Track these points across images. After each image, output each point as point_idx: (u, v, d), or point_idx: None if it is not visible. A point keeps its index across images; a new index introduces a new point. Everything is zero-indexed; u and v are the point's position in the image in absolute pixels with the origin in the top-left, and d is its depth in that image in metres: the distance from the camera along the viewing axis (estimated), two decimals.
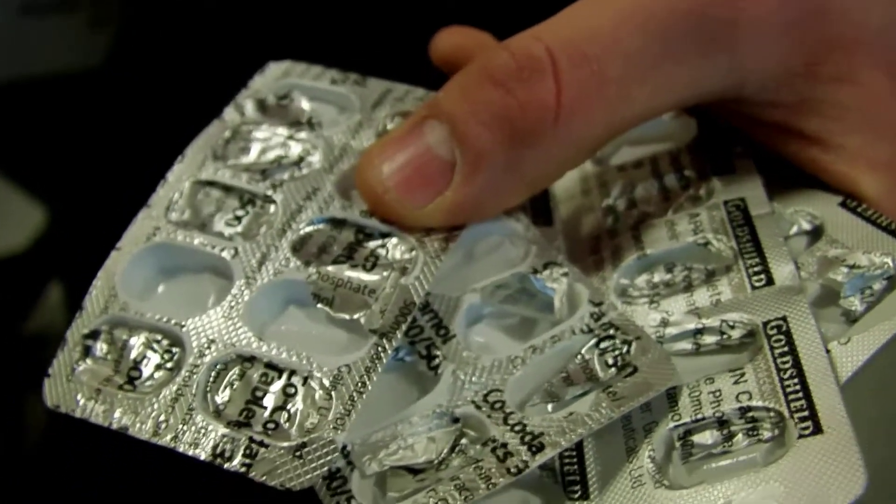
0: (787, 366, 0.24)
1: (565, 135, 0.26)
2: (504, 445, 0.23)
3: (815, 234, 0.28)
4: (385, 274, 0.26)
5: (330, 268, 0.26)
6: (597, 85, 0.26)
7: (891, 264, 0.26)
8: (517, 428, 0.24)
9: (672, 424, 0.24)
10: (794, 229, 0.28)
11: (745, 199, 0.28)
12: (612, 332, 0.26)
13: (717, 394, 0.24)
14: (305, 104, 0.30)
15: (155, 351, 0.25)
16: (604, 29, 0.26)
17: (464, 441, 0.24)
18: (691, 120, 0.31)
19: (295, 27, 0.46)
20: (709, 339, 0.26)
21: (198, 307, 0.26)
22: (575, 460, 0.24)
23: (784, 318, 0.25)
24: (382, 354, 0.24)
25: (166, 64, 0.50)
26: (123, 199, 0.29)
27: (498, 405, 0.24)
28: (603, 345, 0.25)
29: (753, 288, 0.26)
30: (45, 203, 0.57)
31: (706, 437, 0.24)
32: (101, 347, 0.26)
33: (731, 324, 0.25)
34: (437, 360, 0.26)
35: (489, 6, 0.43)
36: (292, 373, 0.24)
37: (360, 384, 0.24)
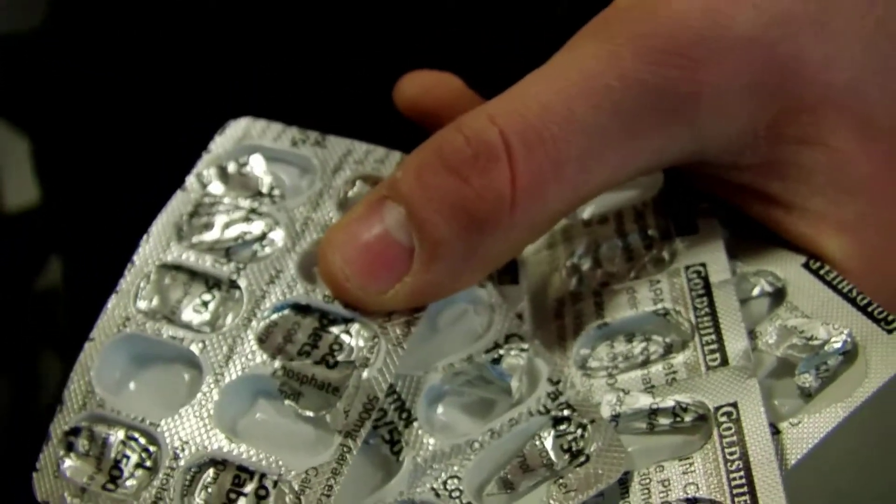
0: (734, 457, 0.26)
1: (522, 219, 0.27)
2: None
3: (777, 296, 0.29)
4: (348, 371, 0.28)
5: (295, 363, 0.28)
6: (552, 167, 0.27)
7: (847, 338, 0.28)
8: None
9: None
10: (757, 290, 0.30)
11: (705, 264, 0.30)
12: (567, 412, 0.28)
13: (667, 483, 0.27)
14: (265, 171, 0.32)
15: (133, 450, 0.28)
16: (558, 106, 0.27)
17: None
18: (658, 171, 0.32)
19: (293, 24, 0.47)
20: (663, 421, 0.28)
21: (171, 400, 0.29)
22: None
23: (734, 405, 0.27)
24: (348, 455, 0.27)
25: (110, 22, 0.51)
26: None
27: (456, 494, 0.27)
28: (559, 427, 0.28)
29: (708, 367, 0.28)
30: None
31: None
32: (82, 444, 0.28)
33: (683, 406, 0.28)
34: (399, 446, 0.28)
35: (489, 6, 0.43)
36: (263, 476, 0.27)
37: (327, 487, 0.27)
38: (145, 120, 0.50)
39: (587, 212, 0.32)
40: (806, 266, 0.29)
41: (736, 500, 0.26)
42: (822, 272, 0.29)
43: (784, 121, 0.28)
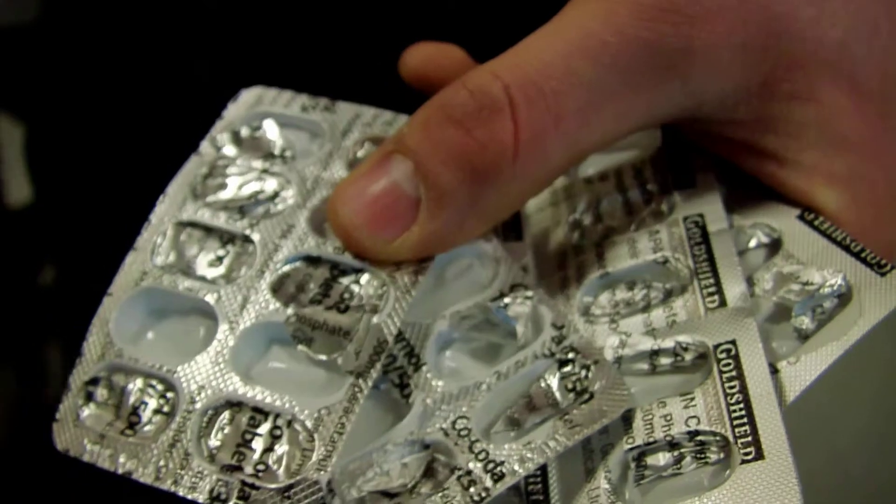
0: (733, 391, 0.28)
1: (524, 171, 0.29)
2: (469, 473, 0.27)
3: (774, 247, 0.31)
4: (358, 316, 0.29)
5: (307, 309, 0.30)
6: (553, 120, 0.28)
7: (841, 282, 0.29)
8: (481, 456, 0.28)
9: (627, 447, 0.28)
10: (753, 242, 0.31)
11: (703, 214, 0.31)
12: (571, 355, 0.29)
13: (668, 417, 0.28)
14: (278, 135, 0.33)
15: (151, 396, 0.29)
16: (558, 62, 0.28)
17: (434, 465, 0.28)
18: (656, 129, 0.33)
19: (292, 22, 0.49)
20: (664, 361, 0.29)
21: (187, 349, 0.30)
22: (539, 481, 0.28)
23: (733, 342, 0.28)
24: (359, 395, 0.28)
25: (104, 18, 0.52)
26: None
27: (464, 433, 0.28)
28: (564, 369, 0.29)
29: (707, 309, 0.29)
30: None
31: (658, 459, 0.28)
32: (101, 393, 0.30)
33: (684, 346, 0.29)
34: (408, 389, 0.29)
35: (489, 6, 0.45)
36: (277, 416, 0.28)
37: (339, 425, 0.28)
38: (140, 115, 0.51)
39: (588, 170, 0.34)
40: (801, 217, 0.31)
41: (736, 430, 0.27)
42: (816, 223, 0.31)
43: (776, 77, 0.30)
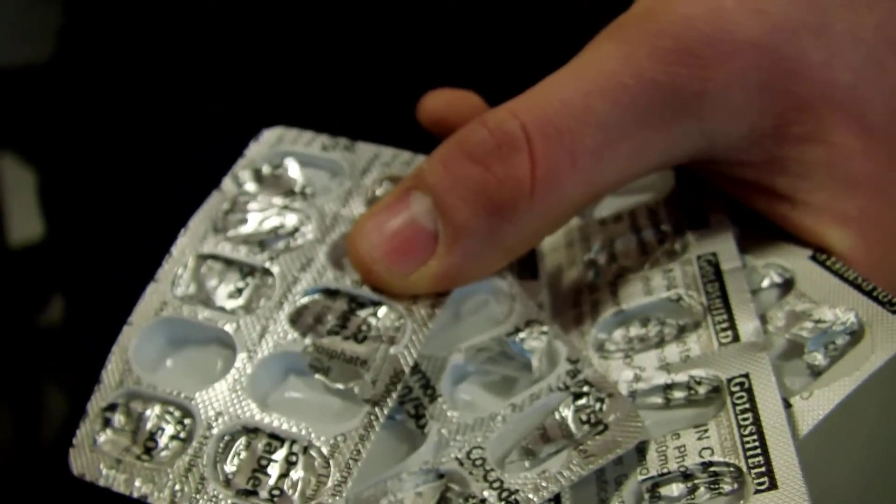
0: (747, 422, 0.28)
1: (541, 207, 0.30)
2: (483, 501, 0.28)
3: (786, 286, 0.32)
4: (375, 346, 0.30)
5: (325, 339, 0.31)
6: (570, 157, 0.30)
7: (853, 319, 0.30)
8: (496, 485, 0.28)
9: (641, 477, 0.28)
10: (766, 282, 0.32)
11: (716, 253, 0.32)
12: (586, 388, 0.30)
13: (682, 449, 0.28)
14: (298, 173, 0.35)
15: (169, 422, 0.30)
16: (576, 101, 0.30)
17: (448, 495, 0.29)
18: (669, 172, 0.34)
19: (293, 27, 0.50)
20: (678, 394, 0.30)
21: (205, 377, 0.31)
22: None
23: (747, 375, 0.29)
24: (375, 423, 0.29)
25: (119, 49, 0.54)
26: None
27: (479, 462, 0.29)
28: (578, 402, 0.30)
29: (720, 344, 0.30)
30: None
31: (672, 490, 0.28)
32: (119, 419, 0.30)
33: (697, 380, 0.30)
34: (424, 420, 0.30)
35: (489, 7, 0.46)
36: (293, 442, 0.29)
37: (355, 452, 0.29)
38: (154, 154, 0.53)
39: (602, 212, 0.35)
40: (813, 258, 0.32)
41: (749, 461, 0.28)
42: (828, 263, 0.32)
43: (788, 119, 0.31)
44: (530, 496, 0.28)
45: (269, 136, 0.35)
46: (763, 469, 0.27)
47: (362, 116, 0.47)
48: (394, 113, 0.41)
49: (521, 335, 0.31)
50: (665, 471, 0.28)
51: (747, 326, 0.30)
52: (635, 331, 0.32)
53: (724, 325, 0.30)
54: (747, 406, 0.29)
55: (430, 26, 0.47)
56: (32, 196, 0.59)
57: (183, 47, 0.53)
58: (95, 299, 0.53)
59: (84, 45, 0.56)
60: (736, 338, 0.30)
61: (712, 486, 0.28)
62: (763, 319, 0.31)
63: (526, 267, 0.34)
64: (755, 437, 0.28)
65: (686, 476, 0.28)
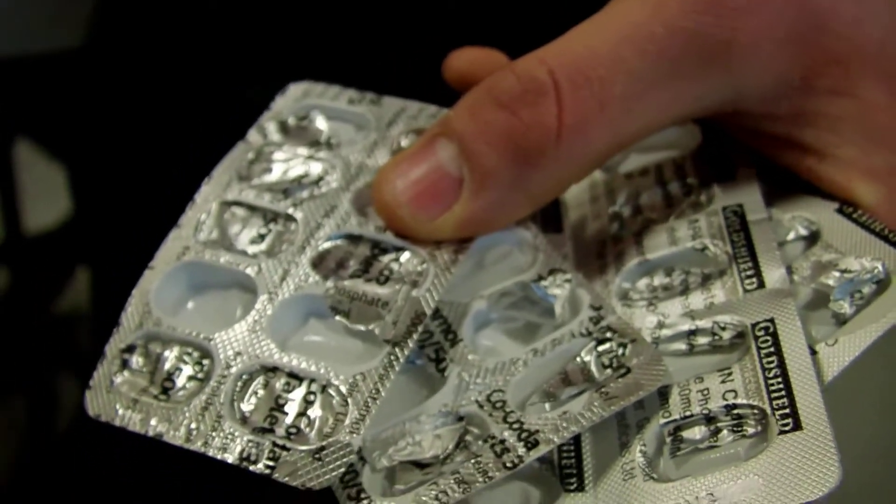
0: (772, 365, 0.28)
1: (567, 154, 0.30)
2: (502, 442, 0.27)
3: (812, 239, 0.31)
4: (397, 287, 0.30)
5: (346, 282, 0.30)
6: (598, 105, 0.29)
7: (880, 268, 0.29)
8: (515, 426, 0.28)
9: (663, 421, 0.28)
10: (792, 234, 0.31)
11: (742, 205, 0.31)
12: (609, 334, 0.29)
13: (706, 392, 0.28)
14: (324, 124, 0.34)
15: (187, 363, 0.30)
16: (604, 49, 0.30)
17: (468, 438, 0.28)
18: (696, 128, 0.34)
19: (293, 25, 0.50)
20: (701, 340, 0.29)
21: (225, 321, 0.30)
22: (572, 454, 0.28)
23: (772, 320, 0.28)
24: (395, 363, 0.29)
25: (149, 42, 0.54)
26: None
27: (499, 405, 0.28)
28: (600, 347, 0.29)
29: (745, 291, 0.29)
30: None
31: (694, 433, 0.28)
32: (137, 360, 0.30)
33: (722, 325, 0.29)
34: (444, 363, 0.30)
35: (489, 7, 0.46)
36: (312, 381, 0.29)
37: (374, 391, 0.28)
38: (180, 137, 0.53)
39: (628, 166, 0.34)
40: (839, 211, 0.31)
41: (774, 402, 0.27)
42: (854, 216, 0.31)
43: (816, 72, 0.31)
44: (550, 436, 0.27)
45: (295, 90, 0.35)
46: (787, 410, 0.27)
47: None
48: None
49: (545, 282, 0.31)
50: (688, 414, 0.28)
51: (773, 274, 0.30)
52: (659, 280, 0.31)
53: (750, 273, 0.30)
54: (772, 350, 0.28)
55: (430, 26, 0.47)
56: (50, 183, 0.59)
57: (210, 34, 0.53)
58: (119, 282, 0.53)
59: (113, 31, 0.57)
60: (761, 285, 0.30)
61: (735, 429, 0.27)
62: (789, 270, 0.30)
63: (550, 221, 0.34)
64: (780, 379, 0.27)
65: (709, 419, 0.28)
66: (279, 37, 0.51)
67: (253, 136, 0.34)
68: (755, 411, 0.27)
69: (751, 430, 0.27)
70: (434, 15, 0.47)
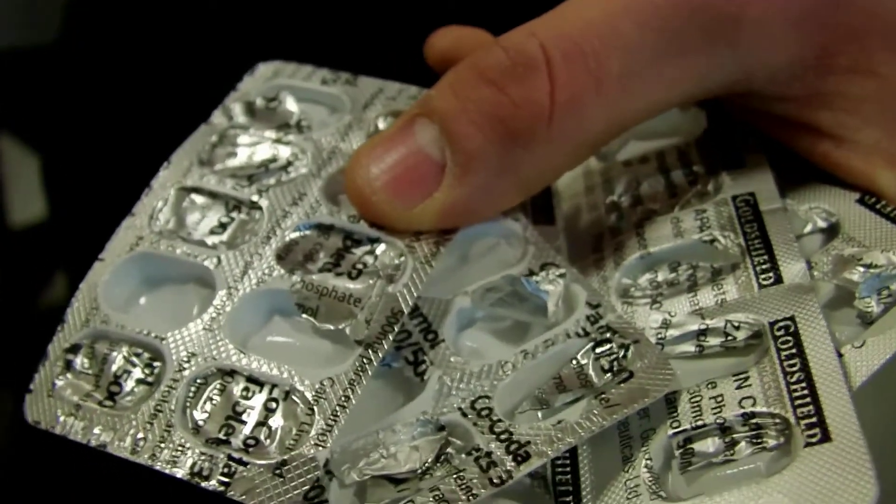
0: (794, 369, 0.24)
1: (560, 134, 0.26)
2: (488, 455, 0.24)
3: (831, 231, 0.28)
4: (371, 282, 0.26)
5: (315, 276, 0.26)
6: (594, 82, 0.26)
7: None
8: (503, 436, 0.24)
9: (671, 432, 0.24)
10: (809, 227, 0.28)
11: (754, 193, 0.28)
12: (608, 335, 0.26)
13: (720, 399, 0.24)
14: (294, 106, 0.31)
15: (136, 365, 0.26)
16: (601, 22, 0.26)
17: (449, 450, 0.25)
18: (701, 113, 0.31)
19: (289, 24, 0.47)
20: (713, 341, 0.26)
21: (181, 319, 0.27)
22: (568, 469, 0.25)
23: (792, 319, 0.25)
24: (367, 366, 0.25)
25: (122, 37, 0.52)
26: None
27: (485, 412, 0.25)
28: (599, 349, 0.26)
29: (761, 286, 0.26)
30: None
31: (707, 445, 0.24)
32: (81, 362, 0.26)
33: (735, 324, 0.25)
34: (423, 366, 0.26)
35: (489, 6, 0.43)
36: (273, 386, 0.25)
37: (343, 397, 0.24)
38: (157, 134, 0.50)
39: (627, 154, 0.31)
40: (860, 201, 0.28)
41: (798, 411, 0.23)
42: (878, 206, 0.27)
43: (833, 50, 0.27)
44: (543, 448, 0.24)
45: (265, 69, 0.32)
46: (814, 419, 0.23)
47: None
48: None
49: (536, 278, 0.27)
50: (699, 423, 0.24)
51: (791, 267, 0.26)
52: (664, 275, 0.27)
53: (766, 267, 0.26)
54: (794, 351, 0.24)
55: (430, 26, 0.45)
56: (33, 177, 0.56)
57: (187, 29, 0.50)
58: None
59: (88, 26, 0.53)
60: (779, 279, 0.26)
61: (754, 441, 0.23)
62: (808, 265, 0.27)
63: (541, 211, 0.30)
64: (804, 384, 0.24)
65: (724, 429, 0.24)
66: (259, 28, 0.48)
67: (217, 117, 0.31)
68: (777, 421, 0.23)
69: (772, 442, 0.23)
70: (434, 15, 0.44)
